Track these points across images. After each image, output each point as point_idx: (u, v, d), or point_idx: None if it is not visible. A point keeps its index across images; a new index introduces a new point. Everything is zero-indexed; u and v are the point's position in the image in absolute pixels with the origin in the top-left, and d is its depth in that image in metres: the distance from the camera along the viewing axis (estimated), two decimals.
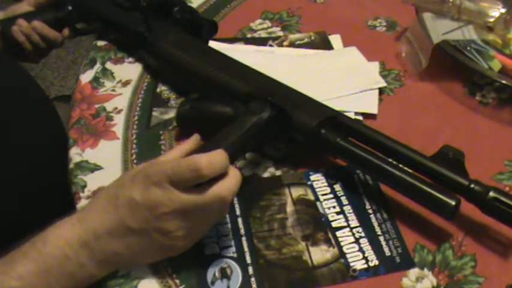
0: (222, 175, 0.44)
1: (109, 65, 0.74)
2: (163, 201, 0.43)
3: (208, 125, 0.61)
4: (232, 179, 0.45)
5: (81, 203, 0.55)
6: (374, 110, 0.65)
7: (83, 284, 0.45)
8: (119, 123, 0.65)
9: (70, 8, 0.82)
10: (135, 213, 0.44)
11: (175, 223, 0.44)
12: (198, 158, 0.43)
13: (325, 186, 0.57)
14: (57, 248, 0.44)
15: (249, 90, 0.59)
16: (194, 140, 0.50)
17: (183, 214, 0.44)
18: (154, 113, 0.66)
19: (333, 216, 0.54)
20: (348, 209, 0.54)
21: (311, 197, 0.56)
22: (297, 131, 0.55)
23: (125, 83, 0.71)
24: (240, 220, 0.53)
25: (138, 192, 0.44)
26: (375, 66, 0.72)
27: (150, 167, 0.45)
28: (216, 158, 0.44)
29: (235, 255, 0.50)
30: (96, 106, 0.67)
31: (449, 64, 0.68)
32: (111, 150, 0.61)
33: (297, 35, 0.79)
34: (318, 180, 0.57)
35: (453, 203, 0.47)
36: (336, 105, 0.59)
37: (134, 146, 0.62)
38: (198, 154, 0.44)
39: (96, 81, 0.72)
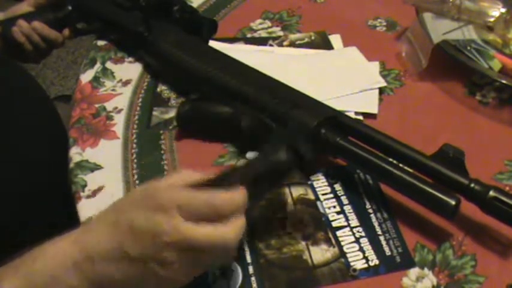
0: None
1: (109, 65, 0.74)
2: (168, 230, 0.39)
3: (208, 125, 0.62)
4: (239, 223, 0.41)
5: (81, 203, 0.55)
6: (374, 109, 0.65)
7: None
8: (119, 123, 0.65)
9: (70, 8, 0.82)
10: (135, 238, 0.40)
11: (174, 255, 0.40)
12: (219, 195, 0.40)
13: (325, 186, 0.57)
14: (46, 267, 0.41)
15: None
16: (206, 175, 0.45)
17: (185, 248, 0.40)
18: (154, 113, 0.66)
19: (333, 215, 0.54)
20: (348, 208, 0.54)
21: (311, 196, 0.56)
22: (296, 130, 0.55)
23: (125, 83, 0.71)
24: None
25: (142, 216, 0.40)
26: (375, 66, 0.72)
27: (159, 192, 0.41)
28: (238, 197, 0.41)
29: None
30: (97, 106, 0.67)
31: (449, 64, 0.68)
32: (111, 149, 0.61)
33: (297, 35, 0.79)
34: (318, 180, 0.57)
35: (453, 202, 0.47)
36: (336, 105, 0.59)
37: (134, 145, 0.62)
38: (217, 190, 0.41)
39: (96, 81, 0.72)
